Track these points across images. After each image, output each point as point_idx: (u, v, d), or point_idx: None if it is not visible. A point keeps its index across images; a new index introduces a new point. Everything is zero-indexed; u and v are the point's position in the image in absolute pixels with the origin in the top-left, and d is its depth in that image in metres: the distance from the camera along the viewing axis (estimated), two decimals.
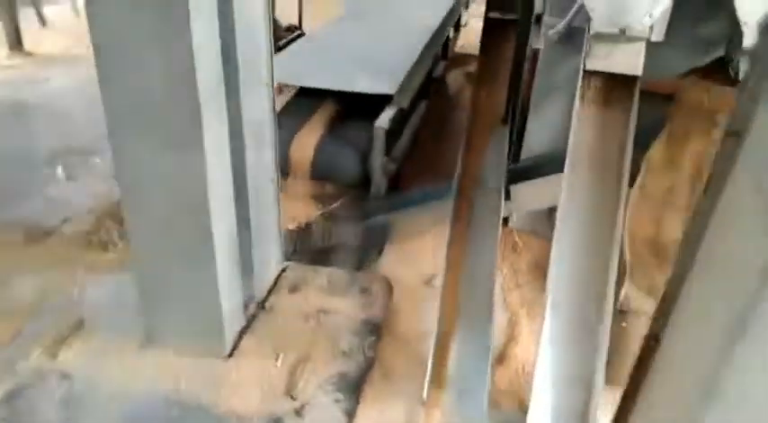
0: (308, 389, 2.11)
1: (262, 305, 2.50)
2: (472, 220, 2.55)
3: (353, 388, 2.13)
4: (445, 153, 3.78)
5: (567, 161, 2.25)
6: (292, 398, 2.06)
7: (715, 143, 2.13)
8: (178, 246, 2.03)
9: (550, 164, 2.76)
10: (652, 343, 1.13)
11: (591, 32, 2.01)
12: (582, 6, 2.37)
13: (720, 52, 2.23)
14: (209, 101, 1.81)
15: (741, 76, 2.01)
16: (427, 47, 4.21)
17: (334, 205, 3.21)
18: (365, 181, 3.28)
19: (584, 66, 2.07)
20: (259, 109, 2.22)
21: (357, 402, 2.07)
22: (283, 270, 2.73)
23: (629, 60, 2.03)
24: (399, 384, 2.17)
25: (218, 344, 2.22)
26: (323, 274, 2.74)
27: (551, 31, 2.52)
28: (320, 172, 3.25)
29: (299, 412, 2.02)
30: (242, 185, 2.14)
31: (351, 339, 2.35)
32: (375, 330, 2.40)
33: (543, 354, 1.87)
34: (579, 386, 1.85)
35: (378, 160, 3.08)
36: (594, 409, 1.77)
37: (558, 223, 2.03)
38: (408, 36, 4.35)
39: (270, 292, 2.59)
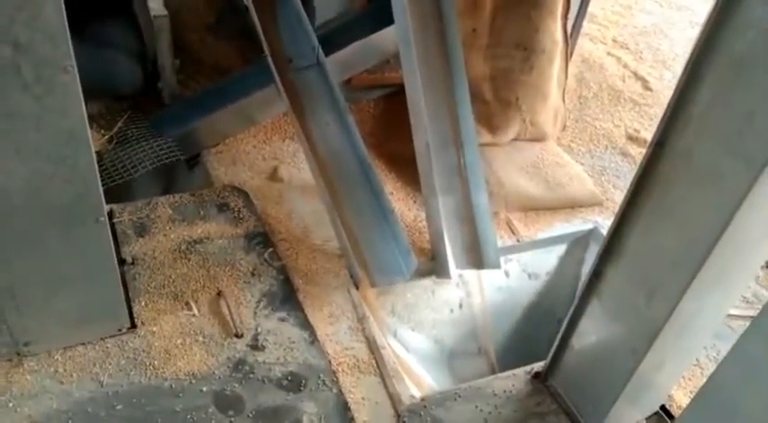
0: (246, 322, 1.96)
1: (121, 261, 2.10)
2: (306, 101, 2.46)
3: (288, 301, 2.05)
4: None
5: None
6: (238, 336, 1.90)
7: None
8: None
9: (354, 27, 2.76)
10: None
11: None
12: None
13: None
14: None
15: None
16: None
17: (119, 124, 2.68)
18: (145, 88, 2.78)
19: None
20: None
21: (302, 312, 2.02)
22: (111, 217, 2.28)
23: None
24: (324, 279, 2.17)
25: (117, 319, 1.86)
26: (162, 206, 2.38)
27: None
28: (85, 89, 2.60)
29: (255, 346, 1.89)
30: None
31: (248, 259, 2.19)
32: (265, 240, 2.27)
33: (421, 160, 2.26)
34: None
35: (167, 57, 2.60)
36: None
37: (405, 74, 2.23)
38: None
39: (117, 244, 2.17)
